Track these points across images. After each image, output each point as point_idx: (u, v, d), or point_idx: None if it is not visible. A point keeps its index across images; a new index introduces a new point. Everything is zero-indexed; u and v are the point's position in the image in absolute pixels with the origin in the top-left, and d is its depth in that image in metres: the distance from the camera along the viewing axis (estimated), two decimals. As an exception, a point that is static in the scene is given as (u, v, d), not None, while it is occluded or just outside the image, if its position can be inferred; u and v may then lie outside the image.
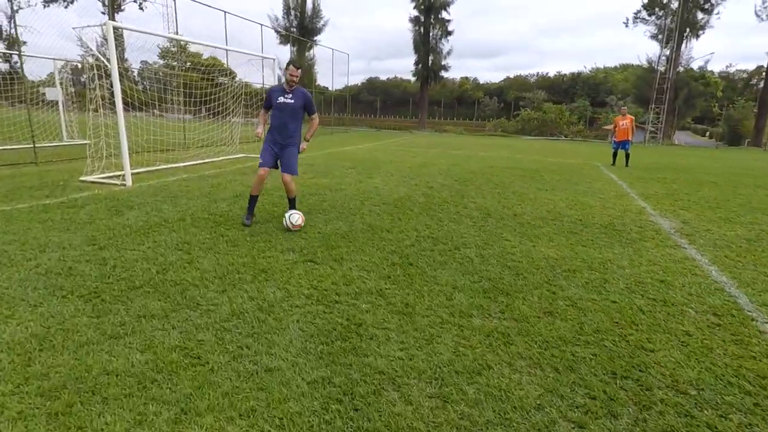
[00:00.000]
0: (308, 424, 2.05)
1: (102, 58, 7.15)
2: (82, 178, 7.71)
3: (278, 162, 5.34)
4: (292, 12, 37.82)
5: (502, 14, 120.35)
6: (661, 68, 31.06)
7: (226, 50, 12.39)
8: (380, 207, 6.41)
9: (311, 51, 36.71)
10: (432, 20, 37.50)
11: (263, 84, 15.80)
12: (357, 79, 73.77)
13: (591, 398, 2.32)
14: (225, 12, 14.38)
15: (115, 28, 7.28)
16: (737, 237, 5.66)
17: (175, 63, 24.03)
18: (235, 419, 2.05)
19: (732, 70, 54.96)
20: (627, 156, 13.46)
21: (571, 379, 2.47)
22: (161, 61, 25.51)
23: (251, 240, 4.62)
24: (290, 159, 5.28)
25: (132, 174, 7.70)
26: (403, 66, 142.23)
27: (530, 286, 3.77)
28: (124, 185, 7.27)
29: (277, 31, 35.29)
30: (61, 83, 14.17)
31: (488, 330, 2.97)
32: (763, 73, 33.31)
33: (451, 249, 4.65)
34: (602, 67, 72.72)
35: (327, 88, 35.40)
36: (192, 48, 26.74)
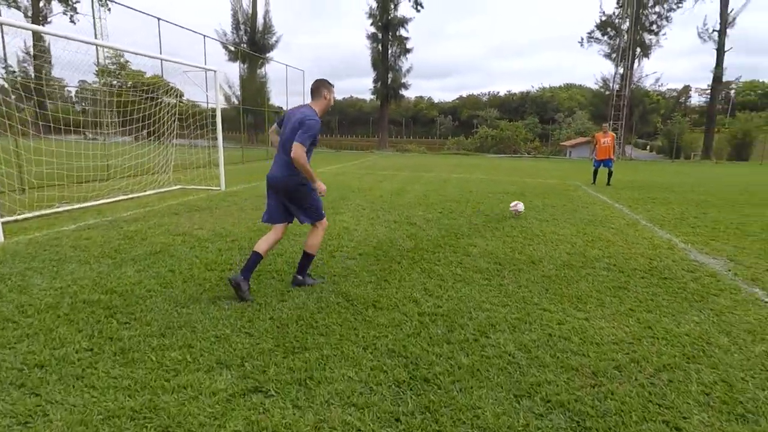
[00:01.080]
0: None
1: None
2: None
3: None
4: (242, 27, 35.90)
5: (454, 37, 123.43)
6: (616, 86, 31.52)
7: (160, 60, 10.47)
8: (356, 261, 4.76)
9: (263, 68, 34.85)
10: (390, 37, 36.57)
11: (207, 103, 13.92)
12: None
13: None
14: (159, 19, 12.47)
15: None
16: (809, 280, 4.47)
17: (114, 81, 21.61)
18: None
19: (664, 89, 58.20)
20: (610, 174, 12.56)
21: None
22: (99, 81, 23.03)
23: (159, 345, 2.84)
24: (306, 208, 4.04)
25: (13, 220, 5.66)
26: (358, 85, 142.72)
27: (632, 415, 2.25)
28: (-5, 241, 5.22)
29: (225, 46, 33.12)
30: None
31: None
32: (690, 92, 34.73)
33: (477, 337, 3.07)
34: (548, 86, 75.49)
35: (282, 107, 33.61)
36: (134, 65, 24.39)
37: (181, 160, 11.83)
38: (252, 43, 35.80)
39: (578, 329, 3.22)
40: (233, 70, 47.85)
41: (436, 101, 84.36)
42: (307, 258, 3.91)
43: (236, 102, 30.34)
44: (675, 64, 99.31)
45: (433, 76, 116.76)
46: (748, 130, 33.76)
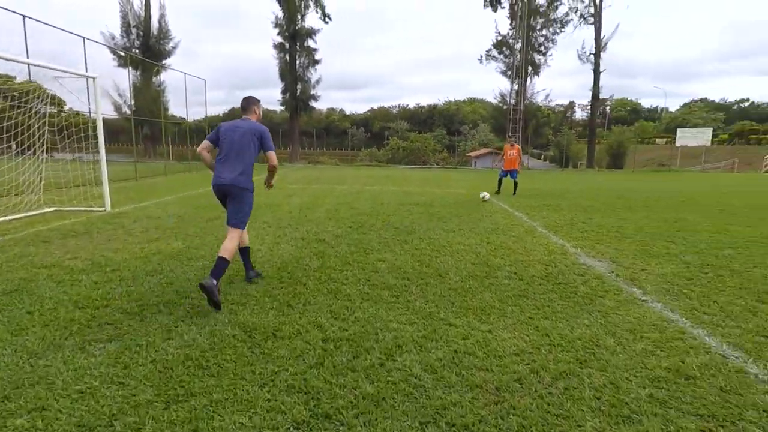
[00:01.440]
0: None
1: None
2: None
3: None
4: (133, 30, 33.16)
5: (364, 50, 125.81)
6: (512, 101, 34.10)
7: (27, 64, 9.16)
8: (258, 285, 4.43)
9: (159, 76, 32.46)
10: (298, 48, 36.02)
11: (90, 113, 12.50)
12: (219, 110, 68.91)
13: None
14: (24, 16, 10.95)
15: None
16: (675, 276, 5.03)
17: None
18: None
19: (553, 104, 64.39)
20: (515, 184, 13.39)
21: None
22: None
23: (10, 406, 2.34)
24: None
25: None
26: (268, 96, 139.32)
27: (533, 429, 2.25)
28: None
29: (114, 51, 30.28)
30: None
31: None
32: (575, 108, 38.85)
33: (383, 361, 2.94)
34: (453, 100, 79.78)
35: (183, 118, 31.55)
36: (0, 69, 21.38)
37: (57, 177, 10.43)
38: (146, 48, 33.23)
39: (482, 342, 3.24)
40: (124, 77, 44.01)
41: (348, 113, 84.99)
42: (221, 262, 3.84)
43: (128, 112, 27.84)
44: (562, 81, 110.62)
45: (345, 88, 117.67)
46: (621, 141, 38.37)
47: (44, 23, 11.76)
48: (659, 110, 78.54)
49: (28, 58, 9.95)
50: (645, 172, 30.30)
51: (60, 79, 9.00)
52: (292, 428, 2.24)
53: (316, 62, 36.48)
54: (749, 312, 3.96)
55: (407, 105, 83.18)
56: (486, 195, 11.61)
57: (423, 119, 73.23)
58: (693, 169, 33.25)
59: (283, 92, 36.75)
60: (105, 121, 9.46)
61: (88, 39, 13.59)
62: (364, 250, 5.93)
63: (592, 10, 32.87)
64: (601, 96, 37.68)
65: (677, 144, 32.41)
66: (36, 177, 9.44)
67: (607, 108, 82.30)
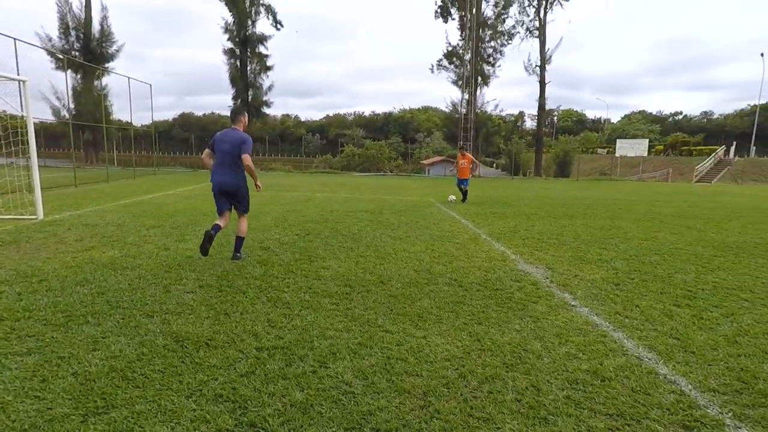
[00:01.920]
0: None
1: None
2: None
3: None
4: (73, 32, 31.49)
5: (320, 58, 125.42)
6: (463, 110, 35.10)
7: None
8: (195, 294, 4.34)
9: (102, 80, 30.98)
10: (249, 54, 35.49)
11: (22, 116, 11.74)
12: (168, 115, 66.64)
13: None
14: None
15: None
16: (604, 282, 5.36)
17: None
18: None
19: (504, 113, 66.66)
20: (465, 192, 13.77)
21: None
22: None
23: None
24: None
25: None
26: (220, 101, 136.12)
27: (455, 433, 2.35)
28: None
29: (51, 53, 28.64)
30: None
31: None
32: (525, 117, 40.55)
33: (315, 369, 2.97)
34: (408, 108, 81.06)
35: (130, 123, 30.25)
36: None
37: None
38: (87, 51, 31.63)
39: (415, 348, 3.34)
40: (62, 80, 41.66)
41: (303, 119, 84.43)
42: (240, 240, 5.74)
43: (66, 116, 26.34)
44: (513, 91, 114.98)
45: (301, 95, 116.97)
46: (567, 151, 40.31)
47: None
48: (602, 121, 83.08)
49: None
50: (588, 181, 31.93)
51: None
52: (215, 439, 2.22)
53: (268, 68, 36.17)
54: (666, 316, 4.27)
55: (363, 112, 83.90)
56: (452, 197, 13.73)
57: (379, 127, 73.89)
58: (632, 178, 35.40)
59: (234, 98, 36.15)
60: (44, 126, 9.00)
61: (19, 40, 12.83)
62: (309, 257, 5.93)
63: (537, 23, 34.49)
64: (548, 107, 39.57)
65: (617, 154, 34.43)
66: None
67: (555, 118, 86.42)
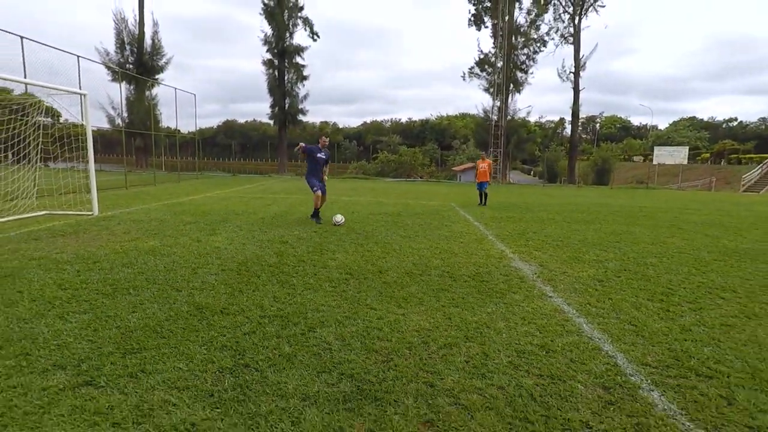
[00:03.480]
0: None
1: None
2: None
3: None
4: (127, 47, 34.16)
5: (357, 65, 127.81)
6: (494, 117, 35.24)
7: (24, 84, 9.89)
8: (218, 276, 5.14)
9: (152, 90, 33.36)
10: (286, 64, 37.23)
11: (81, 125, 13.18)
12: (213, 122, 70.18)
13: None
14: (22, 37, 11.73)
15: None
16: (590, 278, 5.72)
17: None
18: None
19: (544, 120, 65.54)
20: (485, 196, 14.30)
21: None
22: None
23: (2, 353, 3.03)
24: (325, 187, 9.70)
25: None
26: (262, 109, 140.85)
27: (404, 379, 2.96)
28: None
29: (108, 67, 31.18)
30: None
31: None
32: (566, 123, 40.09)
33: (304, 332, 3.65)
34: (446, 115, 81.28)
35: (179, 130, 32.38)
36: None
37: (50, 184, 11.12)
38: (139, 64, 34.20)
39: (392, 322, 3.95)
40: (117, 92, 44.95)
41: (341, 126, 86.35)
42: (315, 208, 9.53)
43: (121, 124, 28.63)
44: (550, 98, 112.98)
45: (340, 102, 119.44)
46: (606, 158, 39.58)
47: (40, 43, 12.54)
48: (648, 128, 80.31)
49: (25, 74, 10.65)
50: (622, 189, 31.30)
51: (54, 95, 9.72)
52: (217, 372, 2.93)
53: (304, 78, 37.80)
54: (634, 308, 4.65)
55: (399, 119, 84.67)
56: (338, 218, 9.27)
57: (415, 133, 74.46)
58: (671, 186, 34.36)
59: (272, 107, 38.04)
60: (101, 133, 10.22)
61: (81, 57, 14.38)
62: (321, 250, 6.65)
63: (571, 30, 34.25)
64: (590, 113, 39.05)
65: (654, 162, 33.49)
66: (30, 184, 10.12)
67: (597, 125, 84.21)
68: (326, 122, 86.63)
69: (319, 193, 9.31)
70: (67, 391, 2.61)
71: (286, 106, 37.46)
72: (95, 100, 29.54)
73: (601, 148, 48.13)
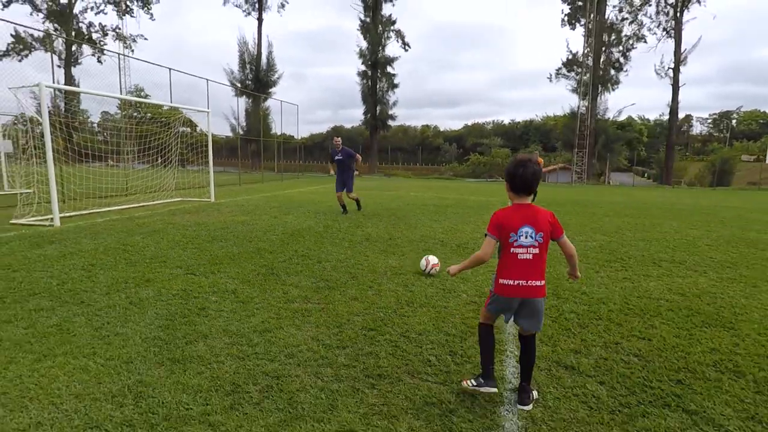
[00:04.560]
0: (136, 366, 3.10)
1: (37, 116, 8.21)
2: (12, 221, 8.56)
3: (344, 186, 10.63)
4: (248, 66, 40.10)
5: (462, 68, 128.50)
6: (582, 115, 34.44)
7: (168, 106, 13.60)
8: (278, 236, 7.54)
9: (266, 102, 38.75)
10: (378, 74, 40.56)
11: (210, 134, 17.03)
12: (323, 127, 77.24)
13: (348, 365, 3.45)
14: (170, 69, 15.74)
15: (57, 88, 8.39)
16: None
17: (135, 113, 25.14)
18: (83, 359, 3.07)
19: (664, 118, 60.28)
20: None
21: (336, 334, 3.60)
22: (121, 112, 26.59)
23: (150, 262, 5.65)
24: (349, 184, 10.60)
25: (62, 216, 8.58)
26: (356, 115, 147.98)
27: (357, 284, 4.93)
28: (52, 225, 8.16)
29: (233, 84, 37.21)
30: (4, 134, 14.98)
31: (296, 309, 4.10)
32: (692, 121, 37.21)
33: (315, 263, 5.80)
34: (552, 115, 78.30)
35: (292, 136, 37.68)
36: (153, 98, 28.16)
37: (184, 180, 14.91)
38: (256, 80, 39.90)
39: (373, 263, 5.88)
40: (239, 105, 52.40)
41: (441, 129, 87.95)
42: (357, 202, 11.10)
43: (241, 132, 34.06)
44: (652, 93, 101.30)
45: (443, 105, 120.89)
46: (727, 158, 36.25)
47: (182, 72, 16.62)
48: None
49: (171, 100, 14.48)
50: (728, 191, 28.77)
51: (187, 112, 13.29)
52: (255, 271, 5.19)
53: (395, 86, 40.94)
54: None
55: (502, 121, 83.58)
56: (432, 262, 12.02)
57: (518, 135, 72.91)
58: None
59: (365, 113, 41.90)
60: (225, 140, 13.55)
61: (210, 80, 18.38)
62: (358, 226, 8.80)
63: (673, 23, 32.19)
64: (727, 108, 36.17)
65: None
66: (171, 180, 13.84)
67: (733, 121, 74.65)
68: (428, 125, 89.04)
69: (338, 193, 10.62)
70: (179, 276, 5.05)
71: (377, 112, 40.85)
72: (220, 113, 35.60)
73: (736, 146, 43.57)
